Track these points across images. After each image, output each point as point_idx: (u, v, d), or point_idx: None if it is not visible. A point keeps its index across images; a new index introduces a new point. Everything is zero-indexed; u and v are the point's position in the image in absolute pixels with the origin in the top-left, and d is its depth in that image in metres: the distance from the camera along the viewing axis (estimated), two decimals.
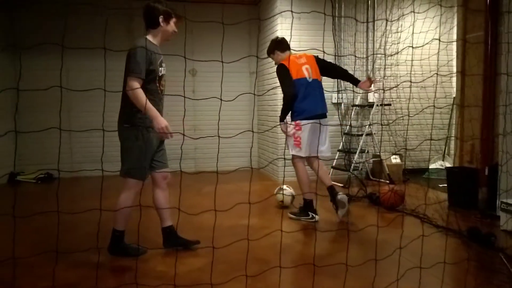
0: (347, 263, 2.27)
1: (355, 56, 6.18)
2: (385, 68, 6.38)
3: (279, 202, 4.63)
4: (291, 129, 4.03)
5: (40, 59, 6.42)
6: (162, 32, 3.09)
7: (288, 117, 4.08)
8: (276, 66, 4.16)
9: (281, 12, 5.93)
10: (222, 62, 2.31)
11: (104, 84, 1.97)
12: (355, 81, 4.24)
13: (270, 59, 6.27)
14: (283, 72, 4.04)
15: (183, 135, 2.22)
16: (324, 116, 4.11)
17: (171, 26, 3.12)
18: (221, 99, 2.16)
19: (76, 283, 2.65)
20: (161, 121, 2.92)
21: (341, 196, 4.01)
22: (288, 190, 4.60)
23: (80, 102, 6.31)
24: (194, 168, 7.06)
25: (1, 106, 6.10)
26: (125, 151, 3.07)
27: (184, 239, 3.30)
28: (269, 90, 6.33)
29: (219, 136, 2.09)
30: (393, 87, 6.17)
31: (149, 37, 3.08)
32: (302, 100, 4.00)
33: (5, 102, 6.16)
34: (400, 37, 6.35)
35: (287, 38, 5.92)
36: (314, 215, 4.09)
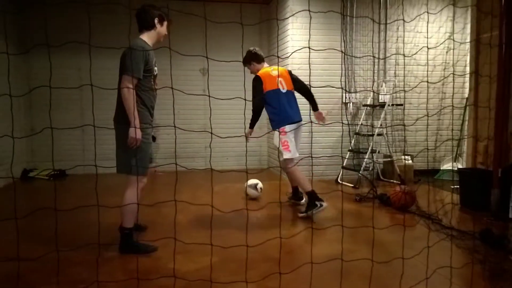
0: (362, 264, 2.27)
1: (373, 56, 6.14)
2: (405, 69, 6.33)
3: (247, 195, 4.97)
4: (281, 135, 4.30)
5: (53, 58, 6.48)
6: (156, 33, 3.24)
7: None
8: (253, 77, 4.46)
9: (295, 13, 5.92)
10: (243, 62, 2.32)
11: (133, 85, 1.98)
12: (314, 107, 4.58)
13: (282, 58, 6.30)
14: (257, 85, 4.37)
15: (211, 133, 2.25)
16: (299, 121, 4.43)
17: (164, 28, 3.28)
18: (245, 99, 2.20)
19: (87, 279, 2.68)
20: (139, 133, 3.02)
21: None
22: (253, 182, 4.98)
23: (92, 101, 6.36)
24: (205, 167, 7.08)
25: (16, 104, 6.18)
26: (127, 149, 3.08)
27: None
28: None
29: (246, 136, 2.11)
30: (412, 88, 6.13)
31: (144, 38, 3.21)
32: (280, 109, 4.34)
33: (17, 100, 6.25)
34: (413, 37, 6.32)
35: (299, 37, 6.00)
36: (321, 202, 4.15)
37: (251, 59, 4.53)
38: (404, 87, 6.23)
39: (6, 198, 5.04)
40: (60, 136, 6.40)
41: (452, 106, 6.35)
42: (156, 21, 3.19)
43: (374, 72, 6.37)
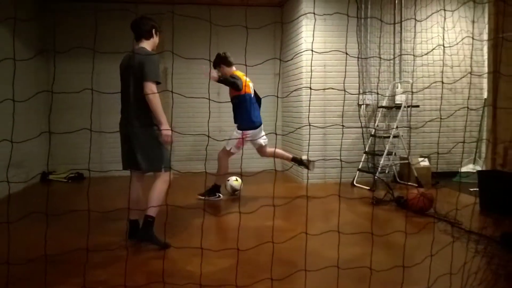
0: (373, 268, 2.24)
1: (380, 57, 6.09)
2: (416, 70, 6.27)
3: (230, 192, 5.24)
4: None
5: (73, 62, 6.58)
6: (152, 43, 3.51)
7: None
8: (230, 75, 4.85)
9: (306, 13, 5.91)
10: (245, 65, 2.32)
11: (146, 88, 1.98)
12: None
13: (296, 61, 6.29)
14: (237, 78, 4.79)
15: (207, 137, 2.26)
16: (261, 124, 5.06)
17: (157, 39, 3.55)
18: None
19: (106, 280, 2.70)
20: (169, 129, 3.33)
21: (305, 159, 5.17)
22: (233, 180, 5.25)
23: (110, 104, 6.43)
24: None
25: (36, 108, 6.29)
26: (158, 148, 3.40)
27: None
28: (291, 92, 6.32)
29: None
30: (423, 89, 6.06)
31: (146, 47, 3.44)
32: (249, 114, 4.88)
33: (37, 104, 6.36)
34: (431, 37, 6.26)
35: (311, 39, 5.96)
36: (220, 195, 5.09)
37: (221, 62, 4.85)
38: (408, 88, 6.16)
39: (26, 200, 5.13)
40: (77, 139, 6.48)
41: (468, 107, 6.25)
42: (153, 31, 3.46)
43: (380, 73, 6.31)
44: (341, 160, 5.81)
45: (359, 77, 6.12)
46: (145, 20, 3.43)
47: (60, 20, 6.78)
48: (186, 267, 2.94)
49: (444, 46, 6.14)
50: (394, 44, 6.28)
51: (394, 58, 6.23)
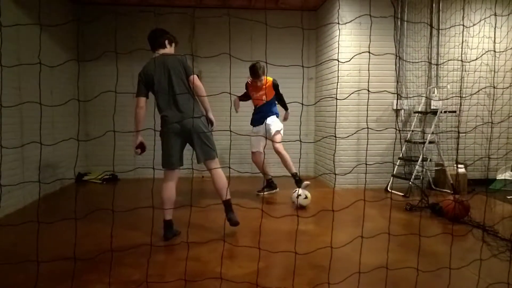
0: (412, 274, 2.19)
1: (429, 62, 5.96)
2: (461, 77, 6.11)
3: (298, 205, 4.78)
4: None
5: (109, 65, 6.78)
6: (168, 52, 3.77)
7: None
8: (274, 82, 5.28)
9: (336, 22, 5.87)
10: (259, 75, 2.32)
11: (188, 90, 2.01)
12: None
13: (330, 65, 6.26)
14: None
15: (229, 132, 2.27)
16: None
17: (173, 49, 3.84)
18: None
19: (138, 280, 2.76)
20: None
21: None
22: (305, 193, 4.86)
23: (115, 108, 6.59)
24: (251, 173, 7.11)
25: (73, 111, 6.51)
26: (211, 136, 3.84)
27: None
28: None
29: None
30: (472, 94, 5.89)
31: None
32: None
33: (74, 108, 6.59)
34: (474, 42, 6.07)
35: (348, 43, 5.91)
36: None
37: (264, 71, 5.18)
38: (445, 93, 5.98)
39: (62, 200, 5.31)
40: (112, 141, 6.67)
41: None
42: (166, 42, 3.74)
43: (416, 78, 6.17)
44: (394, 165, 5.71)
45: (396, 81, 6.00)
46: (160, 32, 3.73)
47: (96, 24, 6.98)
48: (216, 268, 2.97)
49: (468, 51, 5.95)
50: (431, 48, 6.14)
51: (430, 63, 6.08)
